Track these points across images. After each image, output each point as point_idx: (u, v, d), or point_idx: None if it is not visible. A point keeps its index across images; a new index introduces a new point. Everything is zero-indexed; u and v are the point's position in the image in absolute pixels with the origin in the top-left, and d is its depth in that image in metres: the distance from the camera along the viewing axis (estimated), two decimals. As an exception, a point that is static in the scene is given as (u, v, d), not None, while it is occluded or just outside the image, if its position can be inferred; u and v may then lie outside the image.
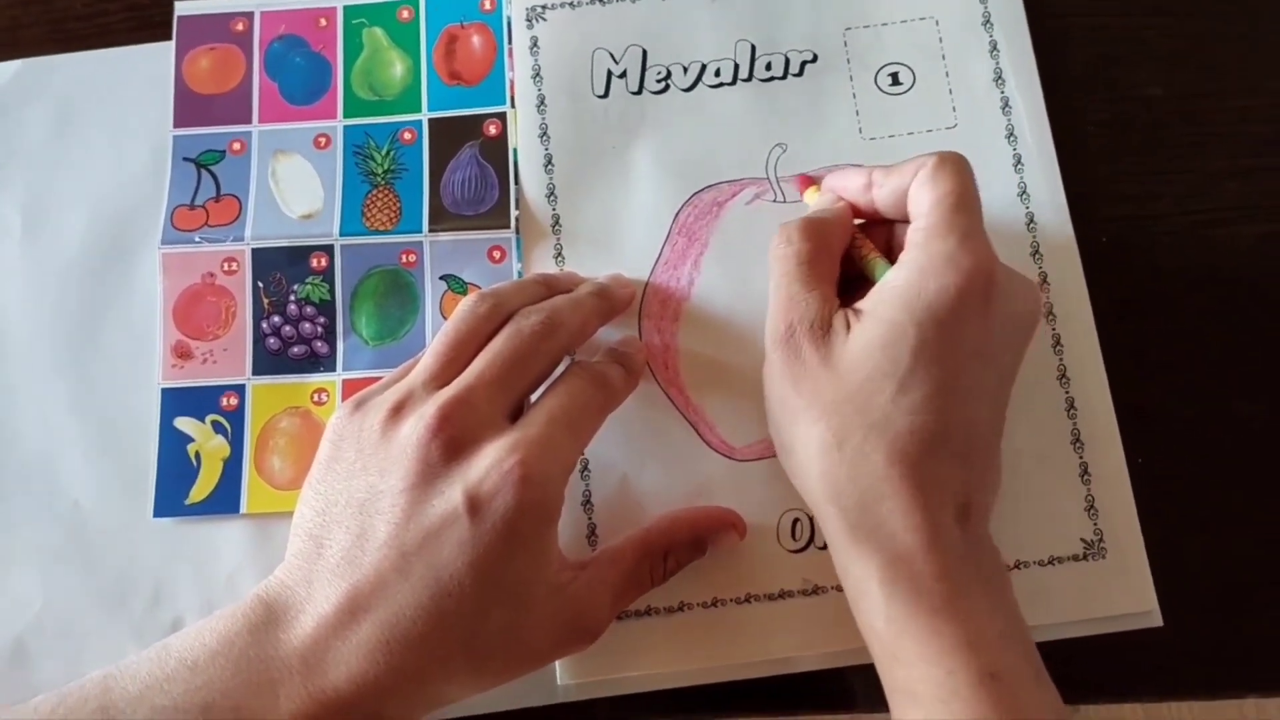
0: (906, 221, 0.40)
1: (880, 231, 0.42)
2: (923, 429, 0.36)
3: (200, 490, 0.45)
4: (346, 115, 0.49)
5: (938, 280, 0.37)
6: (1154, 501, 0.44)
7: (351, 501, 0.37)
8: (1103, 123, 0.48)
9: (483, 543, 0.35)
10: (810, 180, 0.46)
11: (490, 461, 0.36)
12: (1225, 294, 0.46)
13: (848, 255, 0.42)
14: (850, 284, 0.41)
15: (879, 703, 0.43)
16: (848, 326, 0.38)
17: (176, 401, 0.46)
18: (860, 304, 0.38)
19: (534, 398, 0.40)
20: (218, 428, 0.45)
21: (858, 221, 0.43)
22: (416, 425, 0.37)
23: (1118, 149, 0.48)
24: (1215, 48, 0.49)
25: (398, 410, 0.38)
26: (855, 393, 0.37)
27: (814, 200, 0.44)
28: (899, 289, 0.37)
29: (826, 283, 0.40)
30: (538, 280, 0.43)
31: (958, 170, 0.39)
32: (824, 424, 0.37)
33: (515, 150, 0.48)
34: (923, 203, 0.39)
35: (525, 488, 0.35)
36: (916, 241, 0.38)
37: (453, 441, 0.36)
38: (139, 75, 0.49)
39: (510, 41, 0.49)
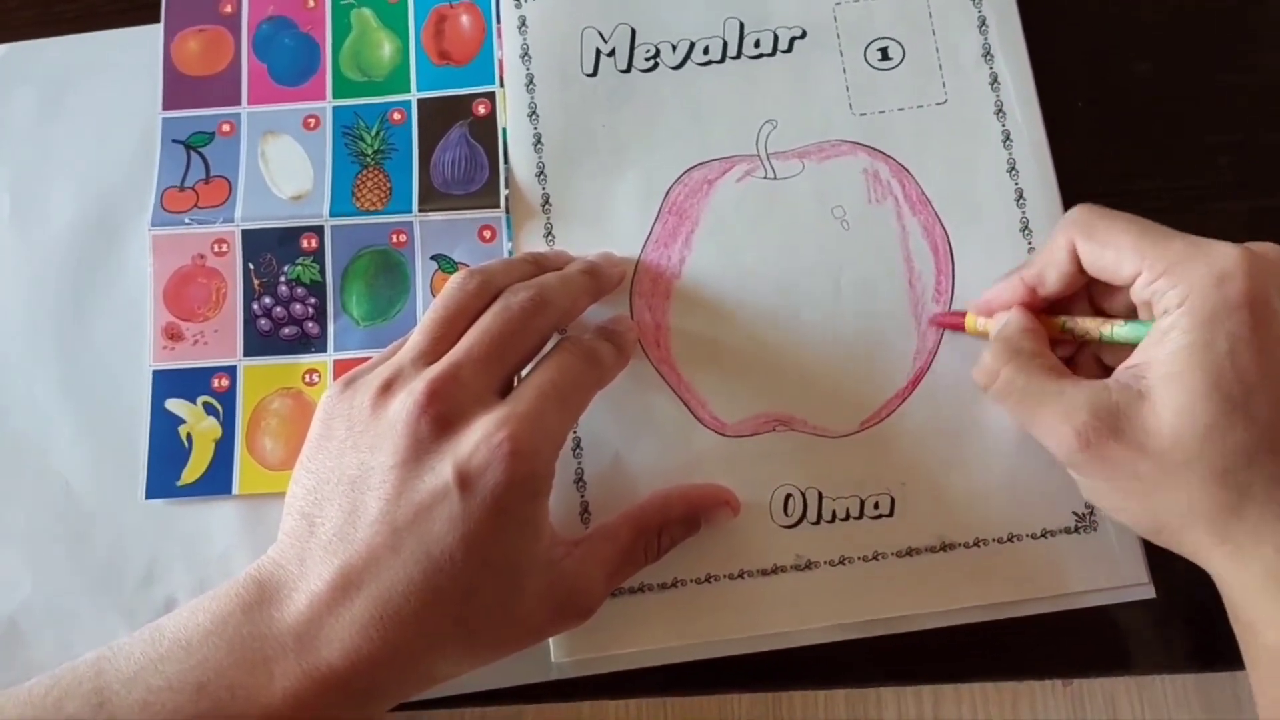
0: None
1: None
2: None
3: (192, 471, 0.45)
4: (336, 96, 0.48)
5: (1229, 315, 0.35)
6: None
7: (343, 479, 0.37)
8: (1092, 98, 0.48)
9: (473, 518, 0.35)
10: (956, 319, 0.44)
11: (480, 436, 0.36)
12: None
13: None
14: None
15: (871, 677, 0.43)
16: (1140, 400, 0.36)
17: (167, 383, 0.46)
18: (1133, 368, 0.37)
19: (524, 374, 0.40)
20: (209, 409, 0.45)
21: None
22: (406, 401, 0.37)
23: (1107, 124, 0.48)
24: (1206, 22, 0.49)
25: (387, 387, 0.38)
26: (1198, 453, 0.35)
27: (986, 325, 0.43)
28: (1180, 330, 0.35)
29: (1058, 371, 0.39)
30: (527, 258, 0.43)
31: (1111, 213, 0.39)
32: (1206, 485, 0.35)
33: (505, 130, 0.48)
34: (1116, 261, 0.38)
35: (515, 461, 0.35)
36: (1162, 289, 0.37)
37: (442, 417, 0.36)
38: (127, 58, 0.49)
39: (499, 21, 0.49)
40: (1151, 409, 0.36)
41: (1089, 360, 0.42)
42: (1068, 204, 0.46)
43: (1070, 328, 0.41)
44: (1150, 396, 0.36)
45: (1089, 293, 0.42)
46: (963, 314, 0.44)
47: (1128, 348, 0.38)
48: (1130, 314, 0.40)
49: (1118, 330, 0.39)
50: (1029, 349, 0.39)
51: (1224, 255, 0.36)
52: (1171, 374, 0.35)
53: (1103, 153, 0.47)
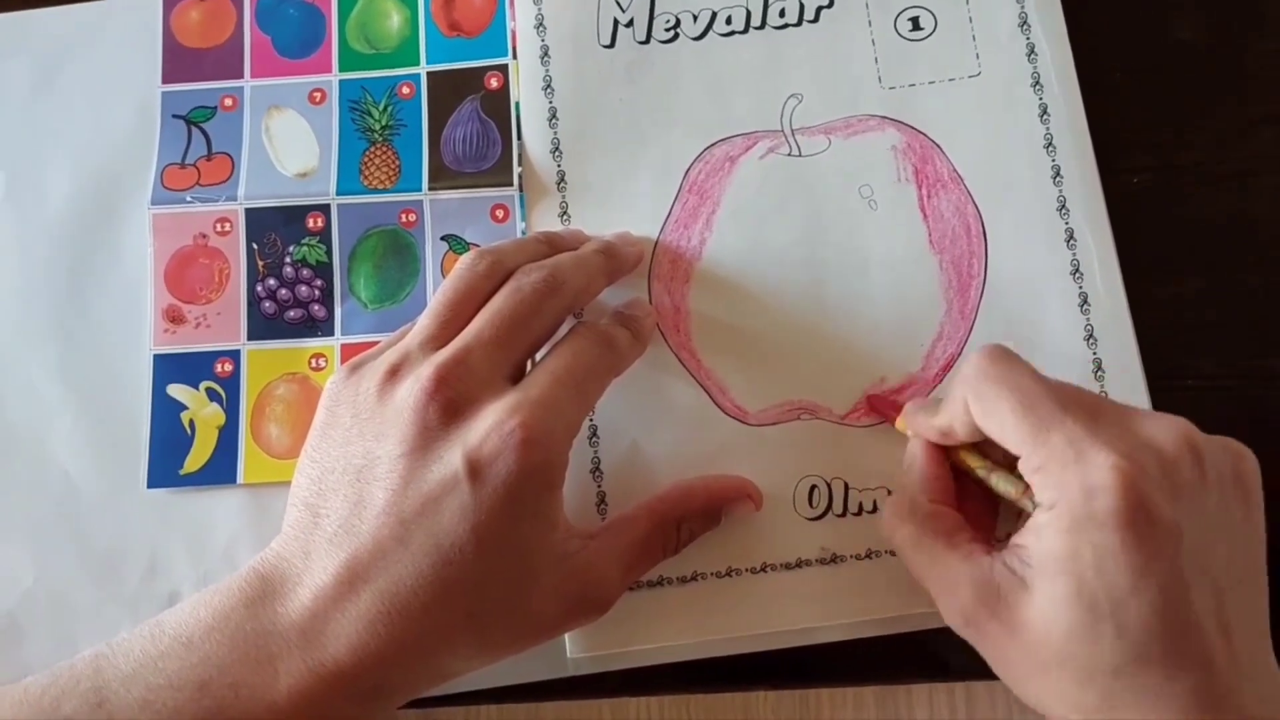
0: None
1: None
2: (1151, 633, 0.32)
3: (195, 460, 0.43)
4: (342, 69, 0.47)
5: (1095, 530, 0.32)
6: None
7: (348, 468, 0.36)
8: (1131, 69, 0.46)
9: (484, 508, 0.34)
10: (890, 410, 0.42)
11: (490, 423, 0.34)
12: (1260, 245, 0.45)
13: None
14: None
15: (901, 674, 0.42)
16: (1020, 588, 0.34)
17: (169, 368, 0.44)
18: (1019, 550, 0.35)
19: (537, 359, 0.39)
20: (212, 395, 0.44)
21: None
22: (413, 387, 0.35)
23: (1147, 97, 0.46)
24: (1250, -10, 0.47)
25: (394, 373, 0.36)
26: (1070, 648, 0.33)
27: (904, 427, 0.40)
28: (1051, 532, 0.33)
29: (954, 537, 0.36)
30: (540, 238, 0.42)
31: (1001, 376, 0.35)
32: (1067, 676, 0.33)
33: (518, 104, 0.46)
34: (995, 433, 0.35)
35: (527, 450, 0.34)
36: (1042, 484, 0.34)
37: (450, 404, 0.35)
38: (124, 29, 0.48)
39: (512, -10, 0.47)
40: (1029, 600, 0.34)
41: None
42: (1105, 180, 0.44)
43: (967, 464, 0.38)
44: (1029, 588, 0.34)
45: None
46: (897, 406, 0.41)
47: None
48: None
49: (999, 484, 0.37)
50: (925, 510, 0.37)
51: (1097, 468, 0.33)
52: (1043, 573, 0.33)
53: (1143, 126, 0.46)
